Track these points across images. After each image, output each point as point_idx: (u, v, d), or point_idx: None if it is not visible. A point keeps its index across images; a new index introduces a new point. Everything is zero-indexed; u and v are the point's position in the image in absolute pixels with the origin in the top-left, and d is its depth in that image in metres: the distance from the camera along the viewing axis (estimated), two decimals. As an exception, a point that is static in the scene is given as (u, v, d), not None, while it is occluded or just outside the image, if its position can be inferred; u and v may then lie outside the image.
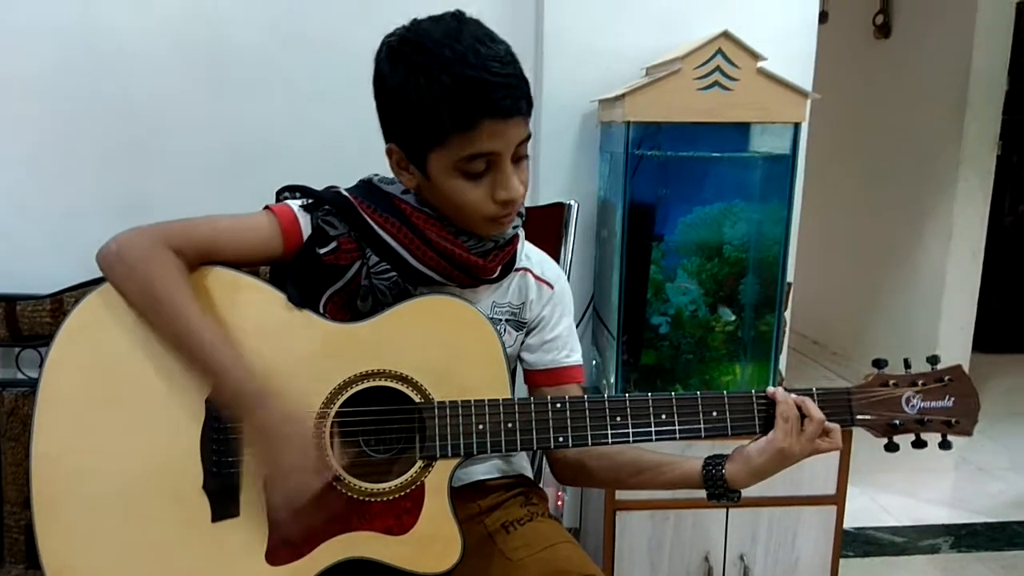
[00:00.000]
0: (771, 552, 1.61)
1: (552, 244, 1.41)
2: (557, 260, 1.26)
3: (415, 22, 0.94)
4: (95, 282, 1.40)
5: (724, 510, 1.58)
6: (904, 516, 2.42)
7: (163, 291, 0.90)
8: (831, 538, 1.61)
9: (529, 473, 1.22)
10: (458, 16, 0.93)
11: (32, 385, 1.43)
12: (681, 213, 1.56)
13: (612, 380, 1.61)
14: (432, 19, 0.93)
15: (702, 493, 1.55)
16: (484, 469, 1.13)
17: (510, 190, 0.94)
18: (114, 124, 1.55)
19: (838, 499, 1.60)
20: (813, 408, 0.98)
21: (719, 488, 1.01)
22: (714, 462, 1.02)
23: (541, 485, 1.26)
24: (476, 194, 0.94)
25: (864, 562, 2.16)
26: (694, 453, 1.05)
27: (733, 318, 1.60)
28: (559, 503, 1.73)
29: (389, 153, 0.99)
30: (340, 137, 1.62)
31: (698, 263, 1.58)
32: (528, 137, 0.95)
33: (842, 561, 1.65)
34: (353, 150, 1.57)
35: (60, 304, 1.44)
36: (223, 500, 0.93)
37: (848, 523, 1.64)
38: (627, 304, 1.55)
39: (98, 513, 0.93)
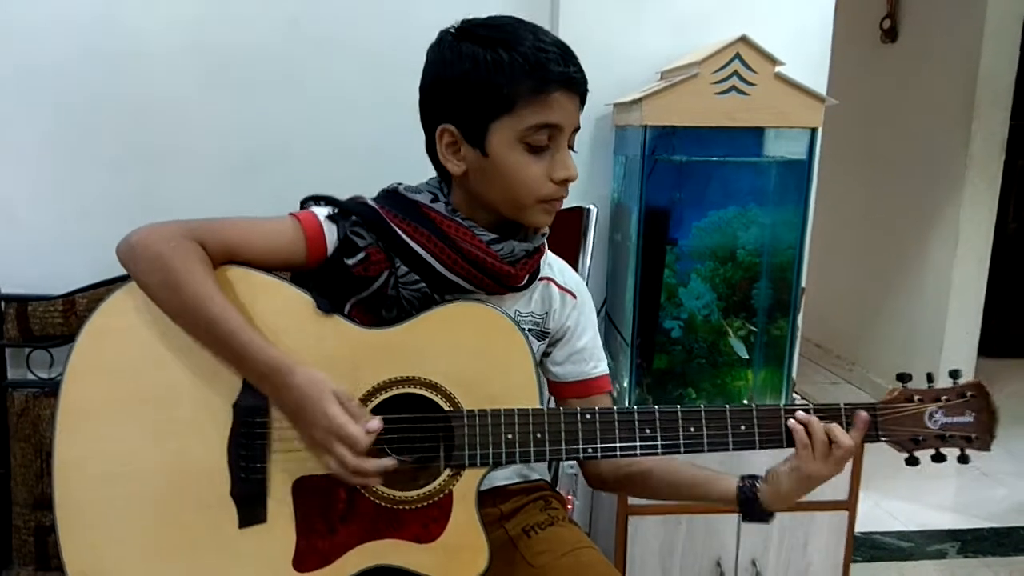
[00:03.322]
0: (783, 557, 1.61)
1: (571, 249, 1.41)
2: (575, 265, 1.25)
3: (469, 21, 0.97)
4: (107, 283, 1.42)
5: (737, 515, 1.57)
6: (910, 521, 2.42)
7: (187, 280, 0.89)
8: (843, 543, 1.61)
9: (547, 478, 1.21)
10: (514, 17, 0.98)
11: (42, 386, 1.44)
12: (695, 217, 1.56)
13: (625, 384, 1.60)
14: (489, 17, 0.97)
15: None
16: (505, 475, 1.13)
17: (568, 168, 0.97)
18: (128, 124, 1.54)
19: (850, 505, 1.59)
20: (841, 435, 0.96)
21: (753, 508, 1.01)
22: (749, 483, 1.01)
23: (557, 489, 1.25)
24: (535, 171, 0.95)
25: (872, 567, 2.16)
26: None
27: (747, 357, 1.60)
28: (569, 507, 1.72)
29: (439, 136, 0.98)
30: (355, 141, 1.61)
31: (712, 267, 1.58)
32: (579, 128, 0.99)
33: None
34: (368, 154, 1.58)
35: (72, 305, 1.43)
36: (250, 506, 0.93)
37: (855, 528, 1.63)
38: (641, 308, 1.55)
39: (122, 518, 0.92)
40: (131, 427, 0.93)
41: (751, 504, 1.00)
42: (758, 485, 1.00)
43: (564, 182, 0.97)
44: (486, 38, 0.93)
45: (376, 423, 0.90)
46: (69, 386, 0.92)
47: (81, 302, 1.43)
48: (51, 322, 1.43)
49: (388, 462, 0.91)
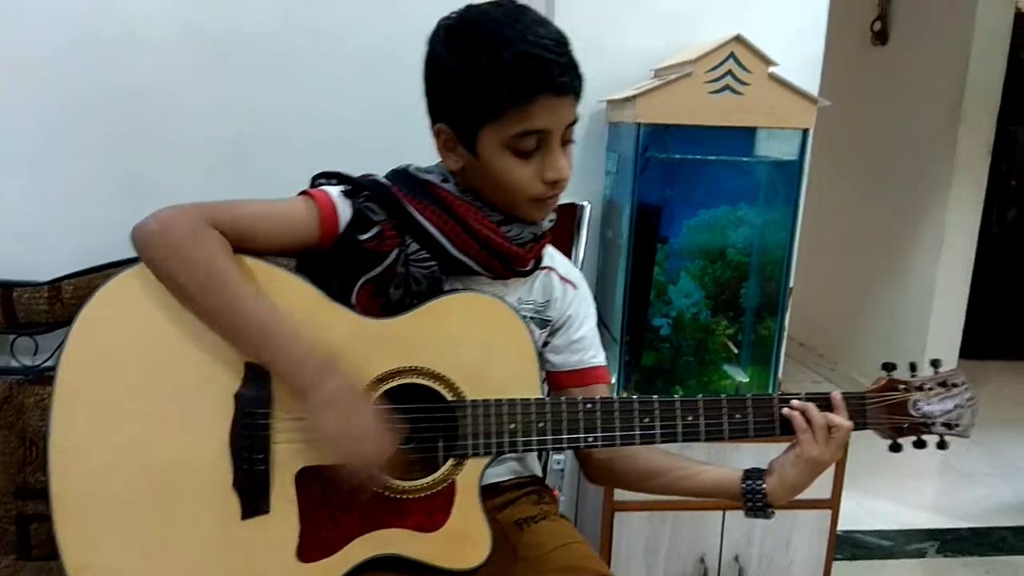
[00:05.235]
0: (766, 554, 1.62)
1: (564, 245, 1.41)
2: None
3: (471, 7, 0.95)
4: (94, 270, 1.41)
5: (721, 512, 1.58)
6: (890, 520, 2.45)
7: (215, 270, 0.88)
8: (825, 541, 1.63)
9: (539, 473, 1.22)
10: (514, 1, 0.95)
11: (26, 373, 1.42)
12: (686, 215, 1.56)
13: (613, 381, 1.60)
14: (490, 2, 0.95)
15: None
16: (499, 472, 1.13)
17: (558, 170, 0.96)
18: (118, 110, 1.52)
19: (833, 503, 1.61)
20: (837, 417, 1.00)
21: (758, 502, 1.01)
22: (754, 475, 1.02)
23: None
24: (524, 173, 0.95)
25: (852, 565, 2.18)
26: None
27: (746, 380, 1.61)
28: (555, 502, 1.73)
29: (437, 134, 0.99)
30: (346, 130, 1.60)
31: (701, 266, 1.59)
32: (575, 121, 0.97)
33: (832, 564, 1.66)
34: (359, 143, 1.56)
35: (58, 291, 1.42)
36: (253, 497, 0.92)
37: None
38: (630, 305, 1.55)
39: (122, 510, 0.90)
40: (130, 417, 0.91)
41: (755, 496, 1.01)
42: (763, 479, 1.01)
43: (555, 183, 0.97)
44: (472, 40, 0.91)
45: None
46: (65, 373, 0.90)
47: (67, 289, 1.42)
48: (36, 309, 1.42)
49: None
